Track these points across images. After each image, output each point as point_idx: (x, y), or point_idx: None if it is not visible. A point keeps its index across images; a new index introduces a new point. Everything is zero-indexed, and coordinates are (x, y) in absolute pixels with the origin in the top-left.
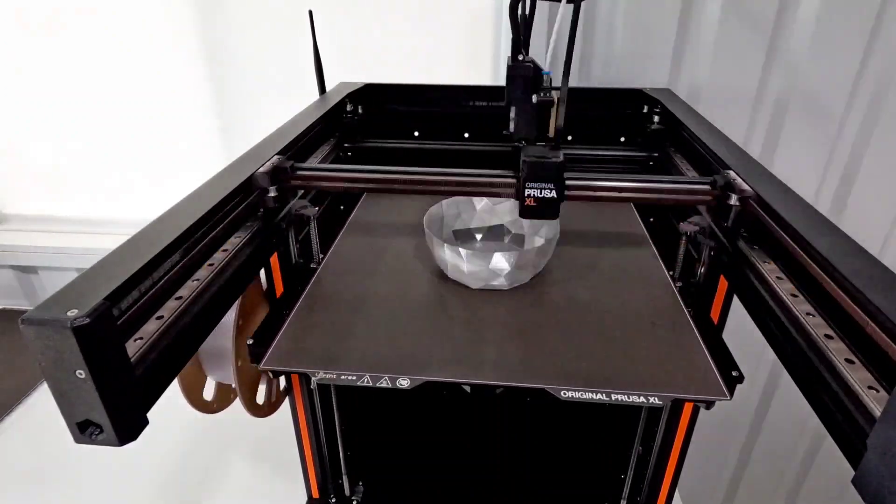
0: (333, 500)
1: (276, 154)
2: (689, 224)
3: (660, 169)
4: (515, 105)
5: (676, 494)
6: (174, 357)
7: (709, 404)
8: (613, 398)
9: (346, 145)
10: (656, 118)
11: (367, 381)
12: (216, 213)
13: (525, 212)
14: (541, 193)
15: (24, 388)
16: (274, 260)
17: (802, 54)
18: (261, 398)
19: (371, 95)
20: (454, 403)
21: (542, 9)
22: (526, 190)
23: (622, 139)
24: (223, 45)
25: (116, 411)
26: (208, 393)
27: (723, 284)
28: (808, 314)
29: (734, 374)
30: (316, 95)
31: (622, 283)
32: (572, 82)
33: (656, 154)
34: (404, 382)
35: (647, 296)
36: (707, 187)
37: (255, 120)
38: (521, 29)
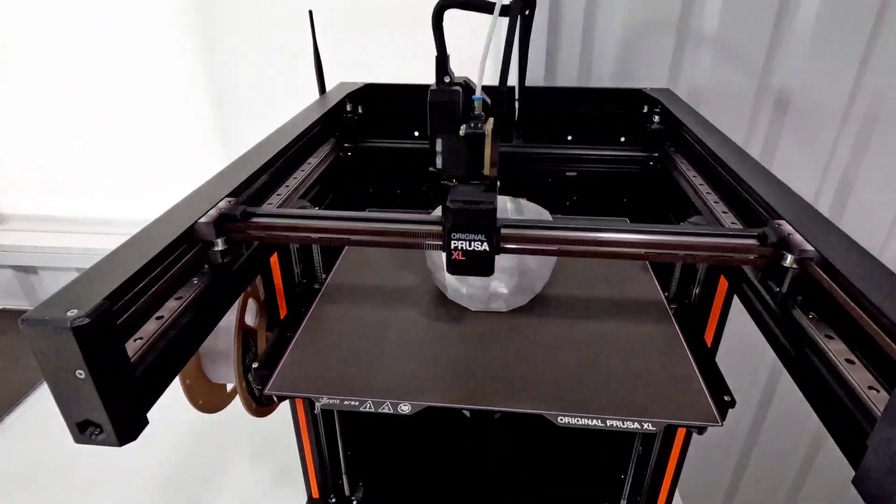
0: (333, 501)
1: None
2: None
3: (660, 169)
4: (440, 137)
5: (676, 494)
6: (174, 357)
7: (701, 430)
8: (609, 424)
9: (346, 145)
10: (656, 118)
11: (370, 407)
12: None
13: (452, 267)
14: (470, 246)
15: (24, 388)
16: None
17: (802, 54)
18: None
19: (371, 95)
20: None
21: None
22: (451, 242)
23: (622, 139)
24: (223, 45)
25: (116, 411)
26: (208, 393)
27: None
28: (808, 314)
29: (726, 398)
30: (316, 95)
31: (618, 306)
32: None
33: (656, 154)
34: (405, 408)
35: (643, 319)
36: (754, 242)
37: (254, 120)
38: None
